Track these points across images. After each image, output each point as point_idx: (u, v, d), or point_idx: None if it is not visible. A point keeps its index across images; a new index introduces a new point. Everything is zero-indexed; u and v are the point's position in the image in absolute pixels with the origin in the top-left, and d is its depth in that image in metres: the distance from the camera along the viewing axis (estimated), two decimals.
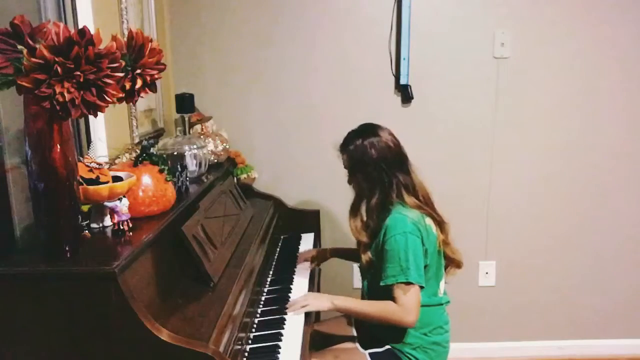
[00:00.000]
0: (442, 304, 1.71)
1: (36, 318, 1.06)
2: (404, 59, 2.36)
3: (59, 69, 0.91)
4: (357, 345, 1.69)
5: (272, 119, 2.44)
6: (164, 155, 1.64)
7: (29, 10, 1.36)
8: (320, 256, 2.07)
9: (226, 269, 1.50)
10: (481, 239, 2.57)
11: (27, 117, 1.01)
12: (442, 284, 1.71)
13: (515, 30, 2.38)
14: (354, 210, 1.72)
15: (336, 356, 1.67)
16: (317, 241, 2.30)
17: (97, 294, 1.05)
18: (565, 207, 2.55)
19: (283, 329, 1.51)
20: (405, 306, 1.53)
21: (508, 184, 2.52)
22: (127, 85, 1.10)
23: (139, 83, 1.12)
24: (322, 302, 1.63)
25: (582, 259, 2.60)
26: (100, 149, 1.53)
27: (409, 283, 1.53)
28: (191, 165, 1.86)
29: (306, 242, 2.25)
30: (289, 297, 1.72)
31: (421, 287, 1.57)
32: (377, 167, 1.62)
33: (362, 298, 1.79)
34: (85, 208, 1.27)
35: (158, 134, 2.16)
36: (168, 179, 1.46)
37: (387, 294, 1.57)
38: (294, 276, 1.89)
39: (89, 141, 1.55)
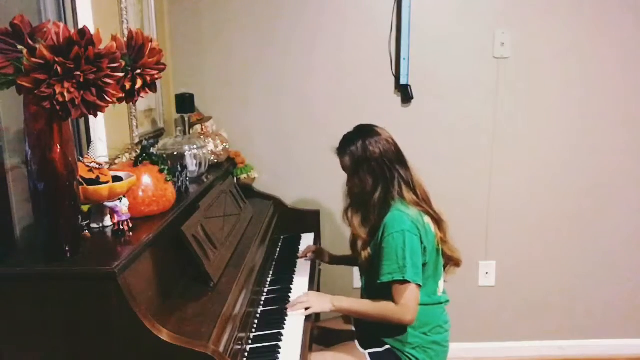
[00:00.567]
0: (441, 303, 1.71)
1: (36, 318, 1.06)
2: (404, 59, 2.36)
3: (59, 69, 0.91)
4: (357, 344, 1.69)
5: (272, 119, 2.44)
6: (164, 155, 1.64)
7: (29, 10, 1.36)
8: (319, 253, 2.09)
9: (226, 269, 1.50)
10: (481, 239, 2.57)
11: (27, 117, 1.01)
12: (441, 283, 1.71)
13: (515, 30, 2.38)
14: (355, 207, 1.73)
15: (336, 356, 1.67)
16: (317, 241, 2.30)
17: (97, 294, 1.05)
18: (565, 207, 2.55)
19: (283, 329, 1.51)
20: (403, 305, 1.54)
21: (508, 184, 2.52)
22: (127, 85, 1.10)
23: (139, 83, 1.12)
24: (323, 303, 1.64)
25: (582, 259, 2.59)
26: (100, 149, 1.53)
27: (405, 281, 1.53)
28: (191, 165, 1.86)
29: (306, 242, 2.25)
30: (289, 297, 1.72)
31: (419, 286, 1.57)
32: (379, 162, 1.63)
33: (362, 296, 1.79)
34: (85, 208, 1.27)
35: (158, 134, 2.16)
36: (168, 179, 1.46)
37: (384, 291, 1.57)
38: (293, 276, 1.90)
39: (89, 141, 1.55)
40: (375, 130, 1.68)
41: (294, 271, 1.94)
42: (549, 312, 2.64)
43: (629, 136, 2.49)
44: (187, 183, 1.70)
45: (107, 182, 1.24)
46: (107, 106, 0.99)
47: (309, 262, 2.03)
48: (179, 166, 1.68)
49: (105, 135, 1.61)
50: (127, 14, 1.82)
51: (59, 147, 1.02)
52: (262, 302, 1.69)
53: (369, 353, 1.66)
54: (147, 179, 1.39)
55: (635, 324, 2.66)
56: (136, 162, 1.45)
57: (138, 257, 1.18)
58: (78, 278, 1.06)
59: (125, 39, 1.12)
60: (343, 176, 1.77)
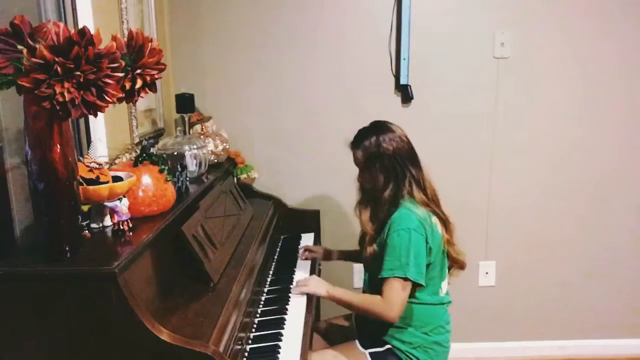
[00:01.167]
0: (443, 304, 1.71)
1: (36, 318, 1.06)
2: (404, 59, 2.36)
3: (59, 69, 0.91)
4: (358, 344, 1.69)
5: (272, 119, 2.44)
6: (164, 155, 1.64)
7: (29, 10, 1.36)
8: (326, 255, 2.08)
9: (226, 269, 1.50)
10: (481, 239, 2.57)
11: (27, 117, 1.01)
12: (444, 284, 1.71)
13: (515, 30, 2.38)
14: (364, 203, 1.73)
15: (336, 356, 1.67)
16: (317, 241, 2.30)
17: (97, 294, 1.05)
18: (566, 207, 2.55)
19: (283, 329, 1.51)
20: (389, 301, 1.54)
21: (508, 184, 2.52)
22: (127, 85, 1.10)
23: (139, 83, 1.12)
24: (318, 288, 1.70)
25: (582, 259, 2.60)
26: (100, 149, 1.53)
27: (405, 279, 1.53)
28: (191, 165, 1.86)
29: (306, 242, 2.25)
30: (289, 297, 1.72)
31: (420, 286, 1.57)
32: (392, 159, 1.63)
33: (364, 291, 1.80)
34: (85, 208, 1.26)
35: (158, 134, 2.16)
36: (168, 179, 1.46)
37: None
38: (293, 276, 1.89)
39: (89, 141, 1.55)
40: (390, 127, 1.68)
41: (294, 271, 1.94)
42: (549, 312, 2.64)
43: (629, 136, 2.49)
44: (187, 183, 1.70)
45: (107, 182, 1.24)
46: (107, 106, 0.99)
47: (309, 262, 2.03)
48: (179, 166, 1.68)
49: (105, 135, 1.61)
50: (127, 14, 1.82)
51: (59, 147, 1.02)
52: (262, 302, 1.69)
53: (370, 353, 1.66)
54: (147, 179, 1.39)
55: (635, 324, 2.66)
56: (136, 162, 1.45)
57: (138, 257, 1.18)
58: (78, 278, 1.06)
59: (125, 39, 1.12)
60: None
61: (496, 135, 2.48)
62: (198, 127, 2.20)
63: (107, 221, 1.30)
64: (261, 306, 1.66)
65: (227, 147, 2.25)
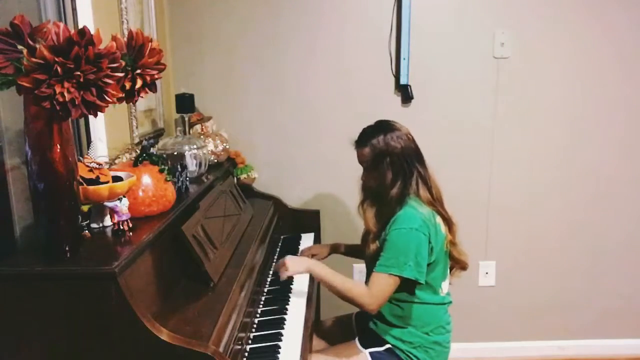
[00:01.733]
0: (444, 304, 1.71)
1: (36, 318, 1.06)
2: (404, 59, 2.36)
3: (59, 69, 0.91)
4: (358, 344, 1.69)
5: (272, 119, 2.44)
6: (164, 155, 1.64)
7: (29, 10, 1.36)
8: (333, 249, 2.07)
9: (226, 269, 1.50)
10: (481, 239, 2.57)
11: (27, 117, 1.01)
12: (445, 284, 1.71)
13: (515, 30, 2.38)
14: (369, 201, 1.72)
15: (337, 355, 1.67)
16: (317, 241, 2.30)
17: (97, 294, 1.05)
18: (565, 207, 2.55)
19: (283, 329, 1.51)
20: (373, 293, 1.54)
21: (508, 184, 2.52)
22: (127, 85, 1.10)
23: (139, 83, 1.12)
24: (297, 265, 1.67)
25: (582, 259, 2.60)
26: (100, 149, 1.53)
27: (399, 277, 1.53)
28: (191, 165, 1.86)
29: (306, 242, 2.25)
30: (289, 297, 1.72)
31: (419, 284, 1.57)
32: (400, 157, 1.64)
33: None
34: (85, 208, 1.26)
35: (158, 134, 2.16)
36: (168, 179, 1.46)
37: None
38: (294, 276, 1.89)
39: (89, 141, 1.55)
40: (395, 126, 1.69)
41: None
42: (549, 312, 2.64)
43: (629, 136, 2.49)
44: (187, 183, 1.70)
45: (107, 182, 1.24)
46: (107, 106, 0.99)
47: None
48: (179, 166, 1.68)
49: (105, 135, 1.61)
50: (127, 14, 1.82)
51: (59, 147, 1.02)
52: (262, 302, 1.69)
53: (370, 352, 1.66)
54: (147, 179, 1.39)
55: (635, 324, 2.66)
56: (136, 162, 1.45)
57: (138, 257, 1.18)
58: (78, 278, 1.06)
59: (125, 39, 1.12)
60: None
61: (496, 135, 2.48)
62: (198, 127, 2.20)
63: (107, 221, 1.30)
64: (261, 306, 1.66)
65: (227, 147, 2.25)
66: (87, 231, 1.25)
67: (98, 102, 0.97)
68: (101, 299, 1.05)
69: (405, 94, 2.41)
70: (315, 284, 1.93)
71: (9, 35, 0.93)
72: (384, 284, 1.55)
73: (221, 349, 1.13)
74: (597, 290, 2.62)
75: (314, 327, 1.88)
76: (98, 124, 1.57)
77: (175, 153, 1.85)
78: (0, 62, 0.92)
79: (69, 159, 1.05)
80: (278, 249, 2.18)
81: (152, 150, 1.49)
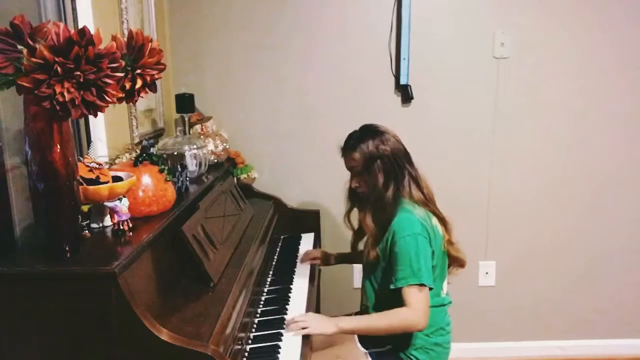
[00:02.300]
0: (444, 305, 1.71)
1: (36, 318, 1.06)
2: (404, 59, 2.36)
3: (59, 69, 0.91)
4: (358, 344, 1.69)
5: (272, 119, 2.44)
6: (164, 155, 1.64)
7: (29, 10, 1.36)
8: (324, 258, 2.07)
9: (226, 269, 1.50)
10: (481, 239, 2.57)
11: (27, 117, 1.01)
12: (444, 285, 1.71)
13: (515, 30, 2.38)
14: (363, 207, 1.71)
15: (337, 356, 1.67)
16: (317, 241, 2.30)
17: (97, 294, 1.05)
18: (565, 207, 2.55)
19: (283, 329, 1.51)
20: (417, 310, 1.50)
21: (508, 184, 2.52)
22: (127, 85, 1.10)
23: (139, 83, 1.12)
24: (325, 325, 1.53)
25: (582, 258, 2.59)
26: (100, 149, 1.53)
27: (421, 285, 1.52)
28: (191, 165, 1.86)
29: (306, 242, 2.25)
30: (289, 297, 1.72)
31: (430, 289, 1.56)
32: (390, 159, 1.63)
33: (362, 296, 1.79)
34: (85, 208, 1.27)
35: (158, 134, 2.16)
36: (168, 179, 1.46)
37: (396, 297, 1.54)
38: (294, 276, 1.89)
39: (89, 141, 1.55)
40: (381, 129, 1.68)
41: (294, 271, 1.94)
42: (549, 312, 2.64)
43: (629, 135, 2.49)
44: (187, 183, 1.70)
45: (107, 182, 1.24)
46: (107, 106, 0.99)
47: (308, 264, 2.02)
48: (179, 166, 1.68)
49: (105, 135, 1.61)
50: (127, 14, 1.82)
51: (59, 147, 1.02)
52: (262, 302, 1.69)
53: (370, 353, 1.66)
54: (147, 179, 1.39)
55: (634, 324, 2.66)
56: (136, 162, 1.45)
57: (138, 257, 1.17)
58: (78, 278, 1.06)
59: (125, 39, 1.12)
60: (343, 176, 1.77)
61: (496, 135, 2.48)
62: (198, 127, 2.20)
63: (107, 221, 1.30)
64: (261, 306, 1.66)
65: (227, 147, 2.25)
66: (87, 231, 1.25)
67: (98, 102, 0.97)
68: (101, 299, 1.05)
69: (405, 94, 2.41)
70: (315, 284, 1.93)
71: (9, 35, 0.93)
72: (416, 296, 1.51)
73: (221, 349, 1.13)
74: (598, 290, 2.62)
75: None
76: (98, 124, 1.58)
77: (175, 153, 1.85)
78: (0, 62, 0.92)
79: (69, 159, 1.05)
80: (278, 249, 2.18)
81: (152, 150, 1.49)
